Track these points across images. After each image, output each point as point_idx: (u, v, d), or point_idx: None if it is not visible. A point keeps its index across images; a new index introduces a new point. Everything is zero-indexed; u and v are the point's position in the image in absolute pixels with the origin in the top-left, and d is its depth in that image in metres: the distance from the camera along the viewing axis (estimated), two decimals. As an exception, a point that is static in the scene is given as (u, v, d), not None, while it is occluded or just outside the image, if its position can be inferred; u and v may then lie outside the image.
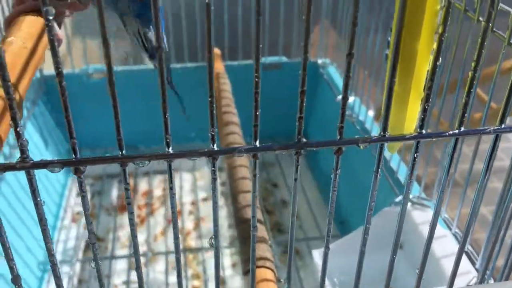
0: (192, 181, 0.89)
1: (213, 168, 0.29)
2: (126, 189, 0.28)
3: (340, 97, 0.75)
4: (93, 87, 0.85)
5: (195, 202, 0.84)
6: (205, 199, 0.85)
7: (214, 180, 0.29)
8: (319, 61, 0.89)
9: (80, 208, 0.79)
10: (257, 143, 0.29)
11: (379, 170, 0.30)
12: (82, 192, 0.28)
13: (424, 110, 0.29)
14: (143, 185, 0.88)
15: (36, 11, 0.39)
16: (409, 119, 0.33)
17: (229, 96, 0.75)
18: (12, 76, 0.31)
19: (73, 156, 0.27)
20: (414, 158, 0.30)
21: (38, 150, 0.76)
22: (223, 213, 0.82)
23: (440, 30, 0.26)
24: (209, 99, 0.26)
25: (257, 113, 0.28)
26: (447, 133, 0.30)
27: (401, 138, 0.30)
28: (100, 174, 0.89)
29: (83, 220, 0.77)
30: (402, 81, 0.31)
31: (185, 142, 0.93)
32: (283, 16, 0.87)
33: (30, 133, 0.75)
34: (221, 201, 0.84)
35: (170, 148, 0.28)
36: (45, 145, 0.80)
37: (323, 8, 0.89)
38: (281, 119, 0.73)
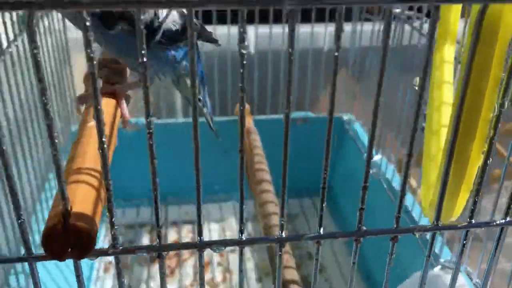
0: (220, 232, 0.91)
1: (279, 253, 0.32)
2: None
3: (371, 171, 0.78)
4: (125, 139, 0.89)
5: (224, 254, 0.86)
6: (233, 251, 0.87)
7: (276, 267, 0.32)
8: (345, 117, 0.93)
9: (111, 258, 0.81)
10: (321, 231, 0.31)
11: (430, 256, 0.33)
12: (161, 274, 0.31)
13: (474, 203, 0.31)
14: (172, 234, 0.90)
15: (108, 94, 0.42)
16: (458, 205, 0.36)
17: (260, 153, 0.78)
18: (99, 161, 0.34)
19: (158, 241, 0.30)
20: (464, 245, 0.33)
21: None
22: (250, 265, 0.84)
23: (491, 134, 0.29)
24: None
25: (323, 206, 0.31)
26: (494, 223, 0.32)
27: (454, 227, 0.32)
28: (132, 223, 0.92)
29: (114, 270, 0.79)
30: (454, 174, 0.34)
31: (209, 194, 0.96)
32: (310, 71, 0.91)
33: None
34: (248, 253, 0.86)
35: (243, 235, 0.31)
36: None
37: (349, 64, 0.93)
38: (306, 172, 0.75)
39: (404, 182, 0.30)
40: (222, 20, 0.87)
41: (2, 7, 0.22)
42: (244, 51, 0.25)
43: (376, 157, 0.78)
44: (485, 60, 0.28)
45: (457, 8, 0.47)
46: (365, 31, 0.89)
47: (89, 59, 0.23)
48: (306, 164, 0.79)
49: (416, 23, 0.64)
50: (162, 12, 0.45)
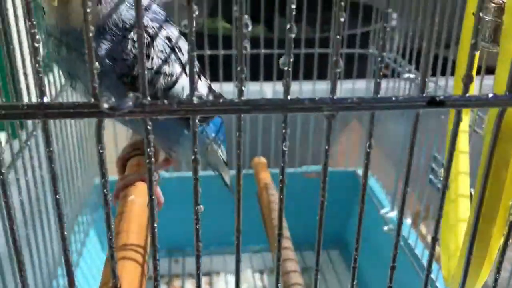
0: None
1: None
2: None
3: (387, 228, 0.79)
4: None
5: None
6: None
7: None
8: (359, 171, 0.95)
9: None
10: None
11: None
12: None
13: (495, 280, 0.33)
14: (189, 287, 0.91)
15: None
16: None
17: (277, 209, 0.80)
18: (142, 237, 0.36)
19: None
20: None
21: (97, 255, 0.81)
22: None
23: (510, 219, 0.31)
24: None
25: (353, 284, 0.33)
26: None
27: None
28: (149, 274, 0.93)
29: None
30: (476, 254, 0.36)
31: (226, 245, 0.97)
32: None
33: (92, 239, 0.81)
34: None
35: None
36: (103, 248, 0.85)
37: (363, 118, 0.96)
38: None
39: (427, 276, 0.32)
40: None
41: (72, 115, 0.24)
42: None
43: (392, 213, 0.79)
44: (504, 154, 0.31)
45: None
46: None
47: (149, 157, 0.26)
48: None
49: (431, 88, 0.67)
50: (179, 88, 0.46)
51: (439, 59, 0.64)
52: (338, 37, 0.24)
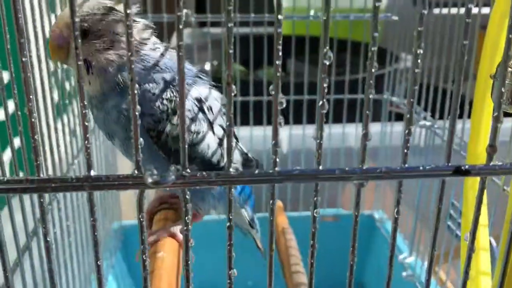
0: (253, 329, 0.92)
1: None
2: None
3: (405, 273, 0.78)
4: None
5: None
6: None
7: None
8: (376, 215, 0.95)
9: None
10: None
11: None
12: None
13: None
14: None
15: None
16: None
17: (296, 254, 0.80)
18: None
19: None
20: None
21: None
22: None
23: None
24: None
25: None
26: None
27: None
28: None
29: None
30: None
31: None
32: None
33: (111, 285, 0.81)
34: None
35: None
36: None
37: (378, 161, 0.97)
38: (337, 269, 0.77)
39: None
40: (258, 122, 0.92)
41: (117, 187, 0.26)
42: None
43: (410, 259, 0.79)
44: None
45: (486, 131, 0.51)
46: (395, 132, 0.94)
47: (186, 225, 0.27)
48: (338, 261, 0.81)
49: (440, 129, 0.68)
50: (205, 146, 0.47)
51: (448, 96, 0.66)
52: (367, 112, 0.25)
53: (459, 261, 0.87)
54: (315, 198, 0.28)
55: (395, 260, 0.82)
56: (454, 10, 0.73)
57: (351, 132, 0.96)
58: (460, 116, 0.67)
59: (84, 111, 0.24)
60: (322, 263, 0.74)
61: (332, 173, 0.26)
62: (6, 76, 0.47)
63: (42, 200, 0.26)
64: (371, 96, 0.25)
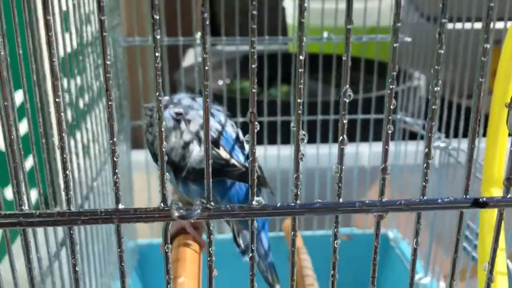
0: None
1: None
2: None
3: (417, 277, 0.78)
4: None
5: None
6: None
7: None
8: (390, 235, 0.95)
9: None
10: None
11: None
12: None
13: None
14: None
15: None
16: None
17: (311, 274, 0.80)
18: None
19: None
20: None
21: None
22: None
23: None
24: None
25: None
26: None
27: None
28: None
29: None
30: None
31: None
32: (355, 187, 0.95)
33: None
34: None
35: None
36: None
37: (392, 180, 0.97)
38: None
39: None
40: (272, 141, 0.93)
41: (145, 220, 0.27)
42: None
43: (426, 279, 0.79)
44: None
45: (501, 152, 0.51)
46: (409, 151, 0.94)
47: (210, 255, 0.28)
48: (351, 281, 0.81)
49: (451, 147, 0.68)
50: (190, 155, 0.51)
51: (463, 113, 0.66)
52: (386, 147, 0.26)
53: (474, 280, 0.86)
54: (335, 230, 0.28)
55: (404, 275, 0.82)
56: (468, 25, 0.74)
57: (364, 151, 0.96)
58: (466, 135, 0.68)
59: (113, 148, 0.25)
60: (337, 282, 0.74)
61: (352, 206, 0.27)
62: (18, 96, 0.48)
63: (72, 232, 0.27)
64: (389, 131, 0.26)
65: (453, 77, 0.76)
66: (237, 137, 0.55)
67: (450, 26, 0.83)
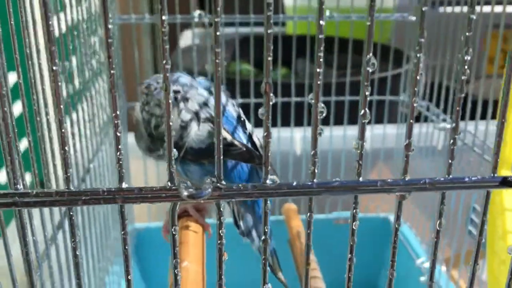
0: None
1: None
2: None
3: (419, 260, 0.77)
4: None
5: None
6: None
7: None
8: (391, 218, 0.94)
9: None
10: None
11: None
12: None
13: None
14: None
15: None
16: None
17: (312, 258, 0.79)
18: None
19: None
20: None
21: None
22: None
23: None
24: None
25: None
26: None
27: None
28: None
29: None
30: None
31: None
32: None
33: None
34: None
35: None
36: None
37: (394, 163, 0.95)
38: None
39: None
40: (273, 123, 0.91)
41: (150, 200, 0.25)
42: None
43: (427, 264, 0.78)
44: None
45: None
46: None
47: (220, 238, 0.26)
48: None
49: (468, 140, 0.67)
50: (188, 134, 0.49)
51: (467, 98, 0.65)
52: (411, 121, 0.24)
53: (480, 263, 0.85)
54: (354, 211, 0.27)
55: (413, 265, 0.81)
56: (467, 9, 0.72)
57: (366, 134, 0.94)
58: (472, 118, 0.66)
59: (116, 121, 0.23)
60: (336, 266, 0.73)
61: (374, 185, 0.25)
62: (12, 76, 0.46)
63: (72, 213, 0.25)
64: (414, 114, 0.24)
65: (451, 61, 0.74)
66: (239, 117, 0.53)
67: (449, 9, 0.81)
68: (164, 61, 0.22)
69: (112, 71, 0.22)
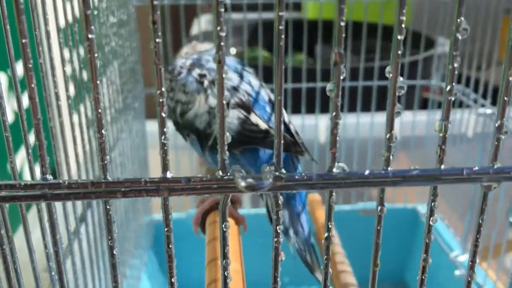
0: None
1: None
2: None
3: (459, 272, 0.73)
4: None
5: None
6: None
7: None
8: (420, 209, 0.90)
9: None
10: None
11: None
12: None
13: None
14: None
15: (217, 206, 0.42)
16: None
17: (340, 251, 0.75)
18: None
19: None
20: None
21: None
22: None
23: None
24: None
25: None
26: None
27: None
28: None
29: None
30: None
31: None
32: (369, 162, 0.90)
33: (144, 283, 0.78)
34: None
35: None
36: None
37: (410, 149, 0.91)
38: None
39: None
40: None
41: (199, 191, 0.21)
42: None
43: (463, 257, 0.74)
44: None
45: None
46: (423, 121, 0.89)
47: (277, 235, 0.23)
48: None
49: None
50: (216, 121, 0.46)
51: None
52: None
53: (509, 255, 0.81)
54: (432, 204, 0.23)
55: (446, 258, 0.77)
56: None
57: (381, 121, 0.90)
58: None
59: (161, 99, 0.20)
60: (363, 258, 0.70)
61: (459, 174, 0.22)
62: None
63: (108, 207, 0.21)
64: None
65: (463, 48, 0.70)
66: (270, 100, 0.49)
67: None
68: (219, 28, 0.19)
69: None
